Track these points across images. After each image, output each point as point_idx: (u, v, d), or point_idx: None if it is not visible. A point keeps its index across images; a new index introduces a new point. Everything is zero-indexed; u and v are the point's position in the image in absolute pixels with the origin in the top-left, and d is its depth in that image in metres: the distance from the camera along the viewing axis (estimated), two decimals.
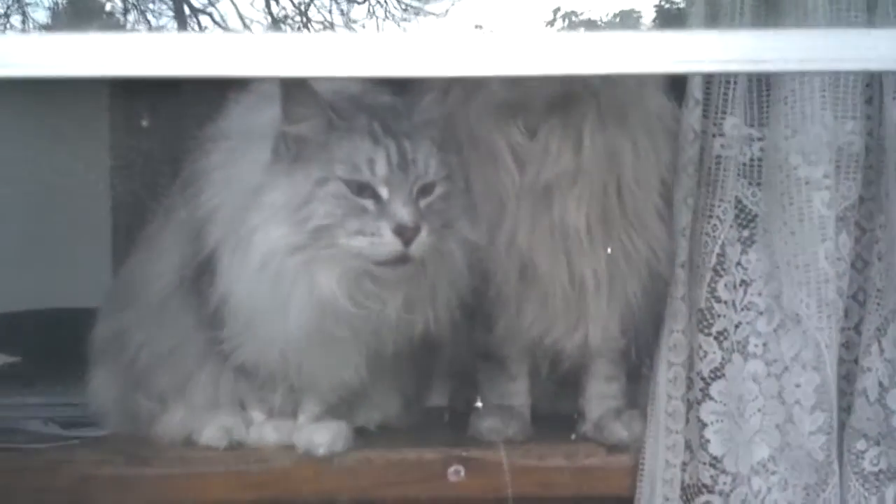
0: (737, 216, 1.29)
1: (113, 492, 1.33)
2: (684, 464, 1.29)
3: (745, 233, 1.29)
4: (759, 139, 1.29)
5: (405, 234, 1.18)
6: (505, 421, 1.40)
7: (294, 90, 1.19)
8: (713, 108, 1.27)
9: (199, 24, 4.57)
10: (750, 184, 1.30)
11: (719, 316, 1.27)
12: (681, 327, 1.28)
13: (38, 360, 2.04)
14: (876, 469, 1.24)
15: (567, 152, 1.25)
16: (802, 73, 1.22)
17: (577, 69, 1.01)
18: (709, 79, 1.27)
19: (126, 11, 4.54)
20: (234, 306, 1.26)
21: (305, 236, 1.20)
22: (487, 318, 1.35)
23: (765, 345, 1.28)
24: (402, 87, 1.29)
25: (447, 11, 4.64)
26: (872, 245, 1.28)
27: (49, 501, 1.33)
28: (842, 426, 1.26)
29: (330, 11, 4.67)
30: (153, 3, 4.51)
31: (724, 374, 1.27)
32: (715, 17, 1.27)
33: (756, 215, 1.30)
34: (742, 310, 1.28)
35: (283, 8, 4.65)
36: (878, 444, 1.25)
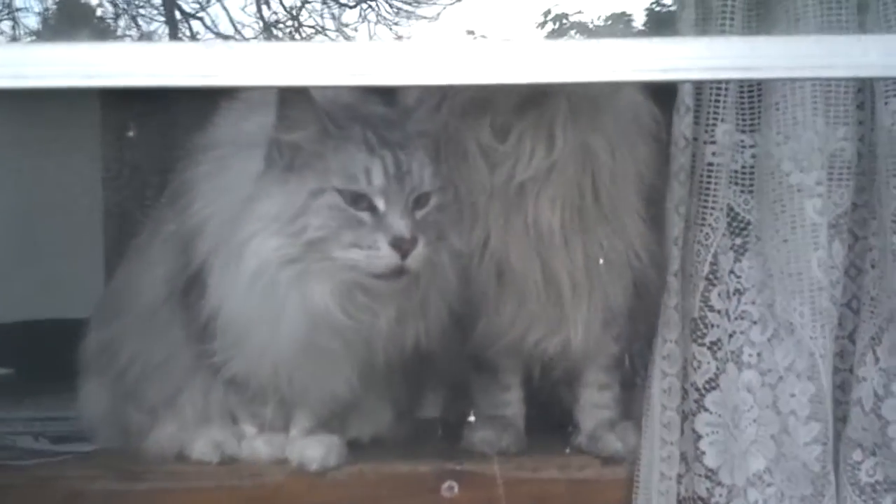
0: (729, 224, 1.28)
1: None
2: (680, 476, 1.28)
3: (738, 241, 1.28)
4: (751, 146, 1.29)
5: (402, 246, 1.16)
6: (498, 432, 1.39)
7: (289, 96, 1.18)
8: (704, 114, 1.26)
9: (190, 29, 4.56)
10: (742, 191, 1.29)
11: (713, 325, 1.27)
12: (674, 337, 1.27)
13: (28, 372, 2.03)
14: (872, 480, 1.23)
15: (539, 153, 1.24)
16: (794, 79, 1.22)
17: (567, 77, 1.00)
18: (700, 85, 1.26)
19: (117, 17, 4.53)
20: (225, 319, 1.24)
21: (299, 249, 1.18)
22: (468, 320, 1.33)
23: (759, 354, 1.27)
24: (394, 97, 1.28)
25: (438, 15, 4.64)
26: (866, 252, 1.27)
27: None
28: (837, 436, 1.26)
29: (321, 16, 4.67)
30: (144, 8, 4.50)
31: (718, 385, 1.26)
32: (705, 22, 1.26)
33: (749, 223, 1.29)
34: (736, 319, 1.28)
35: (275, 13, 4.64)
36: (874, 454, 1.24)
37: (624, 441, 1.34)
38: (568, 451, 1.37)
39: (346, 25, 4.72)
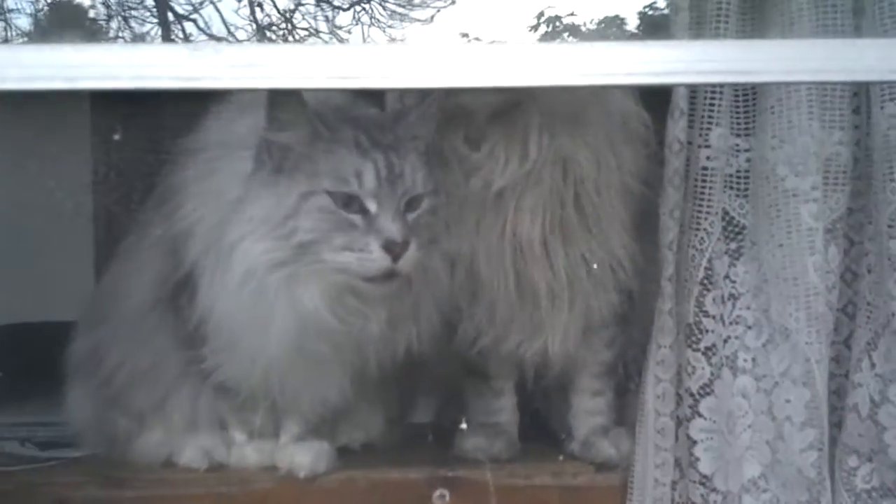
0: (724, 228, 1.27)
1: None
2: (674, 482, 1.27)
3: (733, 245, 1.27)
4: (746, 150, 1.28)
5: (394, 249, 1.15)
6: (490, 439, 1.38)
7: (279, 97, 1.16)
8: (699, 118, 1.25)
9: (183, 31, 4.55)
10: (737, 195, 1.28)
11: (707, 331, 1.26)
12: (668, 342, 1.26)
13: (14, 376, 2.01)
14: (868, 486, 1.22)
15: (514, 162, 1.23)
16: (789, 83, 1.21)
17: (561, 81, 0.99)
18: (694, 89, 1.25)
19: (109, 19, 4.52)
20: (214, 324, 1.23)
21: (289, 252, 1.17)
22: (450, 324, 1.32)
23: (754, 360, 1.26)
24: (385, 101, 1.26)
25: (432, 18, 4.63)
26: (861, 257, 1.26)
27: None
28: (833, 442, 1.25)
29: (315, 18, 4.66)
30: (136, 10, 4.49)
31: (713, 391, 1.25)
32: (699, 26, 1.25)
33: (744, 227, 1.28)
34: (730, 324, 1.27)
35: (268, 15, 4.63)
36: (870, 460, 1.23)
37: (617, 447, 1.33)
38: (561, 458, 1.35)
39: (340, 28, 4.72)
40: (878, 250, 1.23)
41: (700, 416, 1.25)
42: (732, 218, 1.28)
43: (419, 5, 4.73)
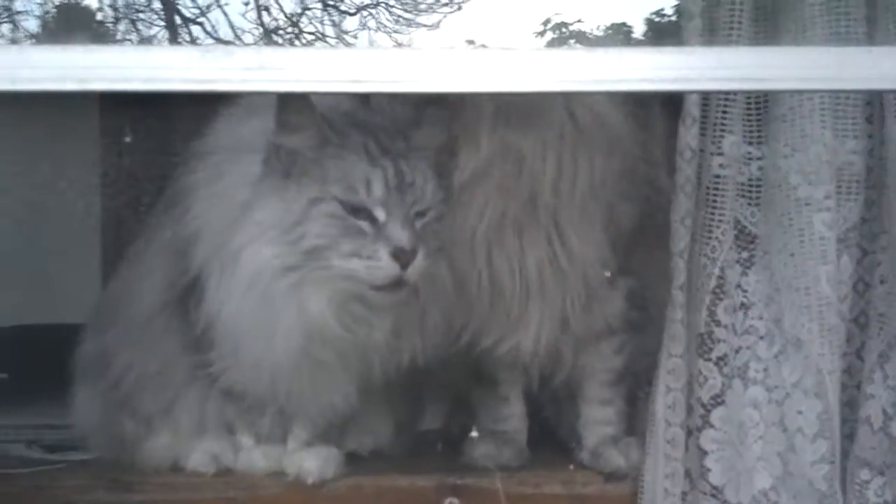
0: (736, 237, 1.26)
1: None
2: (684, 493, 1.26)
3: (745, 254, 1.26)
4: (758, 158, 1.27)
5: (402, 257, 1.14)
6: (498, 446, 1.37)
7: (289, 101, 1.16)
8: (711, 126, 1.24)
9: (190, 34, 4.56)
10: (749, 204, 1.27)
11: (719, 340, 1.25)
12: (679, 351, 1.25)
13: (22, 378, 2.01)
14: (881, 500, 1.21)
15: (468, 156, 1.22)
16: (801, 91, 1.20)
17: (572, 87, 0.99)
18: (706, 96, 1.24)
19: (117, 21, 4.52)
20: (221, 329, 1.22)
21: (298, 257, 1.16)
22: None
23: (765, 370, 1.25)
24: (396, 109, 1.25)
25: (438, 23, 4.63)
26: (874, 268, 1.25)
27: None
28: (845, 455, 1.24)
29: (322, 23, 4.66)
30: (144, 13, 4.49)
31: (724, 401, 1.24)
32: (712, 33, 1.25)
33: (755, 236, 1.27)
34: (742, 334, 1.26)
35: (275, 19, 4.64)
36: (882, 473, 1.22)
37: (627, 457, 1.32)
38: (572, 467, 1.34)
39: (346, 33, 4.72)
40: (891, 261, 1.22)
41: (711, 426, 1.24)
42: (744, 227, 1.27)
43: (425, 10, 4.74)
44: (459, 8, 4.58)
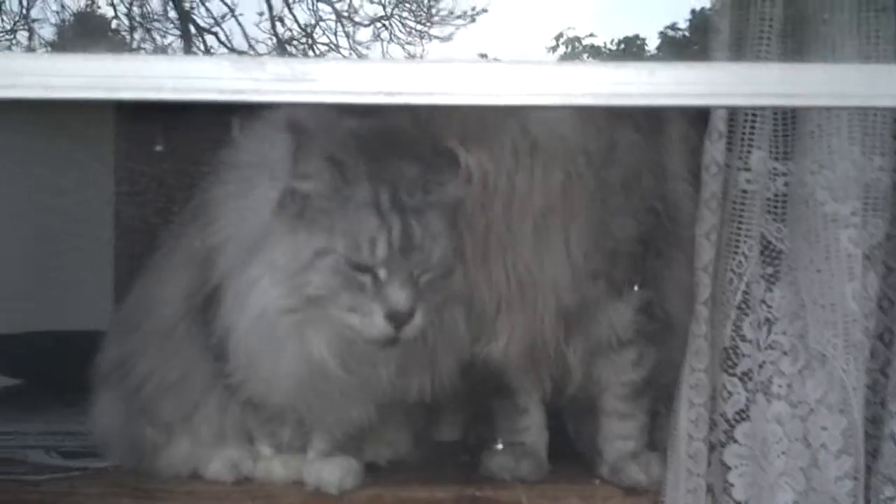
0: (761, 252, 1.26)
1: None
2: None
3: (770, 270, 1.26)
4: (784, 174, 1.26)
5: (397, 318, 1.15)
6: (516, 458, 1.37)
7: (304, 143, 1.16)
8: (738, 141, 1.24)
9: (204, 43, 4.58)
10: (774, 219, 1.26)
11: (744, 356, 1.24)
12: (703, 366, 1.24)
13: (38, 384, 2.01)
14: None
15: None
16: (830, 108, 1.20)
17: (597, 101, 0.98)
18: (733, 112, 1.24)
19: (132, 30, 4.55)
20: (233, 347, 1.23)
21: (300, 301, 1.17)
22: None
23: (789, 385, 1.24)
24: (425, 160, 1.22)
25: (451, 36, 4.65)
26: None
27: None
28: (868, 471, 1.23)
29: (335, 34, 4.68)
30: (159, 22, 4.52)
31: (748, 416, 1.23)
32: (738, 48, 1.25)
33: (780, 252, 1.26)
34: (766, 349, 1.25)
35: (290, 30, 4.66)
36: None
37: (647, 472, 1.32)
38: (597, 481, 1.34)
39: (360, 44, 4.74)
40: None
41: (735, 441, 1.23)
42: (769, 242, 1.26)
43: (438, 23, 4.75)
44: (473, 20, 4.60)
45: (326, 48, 4.64)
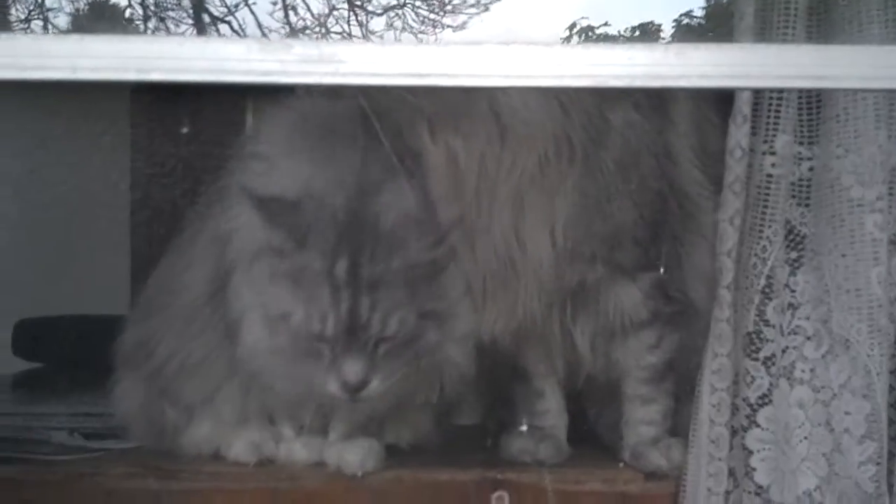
0: (785, 237, 1.25)
1: None
2: (727, 492, 1.25)
3: (793, 254, 1.26)
4: (808, 158, 1.26)
5: (349, 389, 1.16)
6: (536, 442, 1.37)
7: (271, 206, 1.17)
8: (763, 125, 1.24)
9: (218, 32, 4.58)
10: (798, 204, 1.26)
11: (768, 340, 1.24)
12: (726, 351, 1.24)
13: (60, 367, 2.03)
14: None
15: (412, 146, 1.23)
16: (855, 91, 1.19)
17: (628, 83, 0.98)
18: (758, 95, 1.23)
19: (146, 18, 4.56)
20: (241, 341, 1.25)
21: (282, 341, 1.19)
22: None
23: (812, 370, 1.24)
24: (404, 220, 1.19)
25: (464, 24, 4.64)
26: None
27: None
28: (891, 456, 1.23)
29: (348, 23, 4.68)
30: (173, 11, 4.52)
31: (771, 401, 1.23)
32: (763, 31, 1.24)
33: (804, 236, 1.26)
34: (789, 334, 1.25)
35: (302, 18, 4.66)
36: None
37: (668, 458, 1.32)
38: (622, 464, 1.34)
39: (373, 33, 4.74)
40: None
41: (758, 426, 1.23)
42: (793, 227, 1.26)
43: (451, 12, 4.74)
44: (486, 9, 4.59)
45: (339, 37, 4.63)
